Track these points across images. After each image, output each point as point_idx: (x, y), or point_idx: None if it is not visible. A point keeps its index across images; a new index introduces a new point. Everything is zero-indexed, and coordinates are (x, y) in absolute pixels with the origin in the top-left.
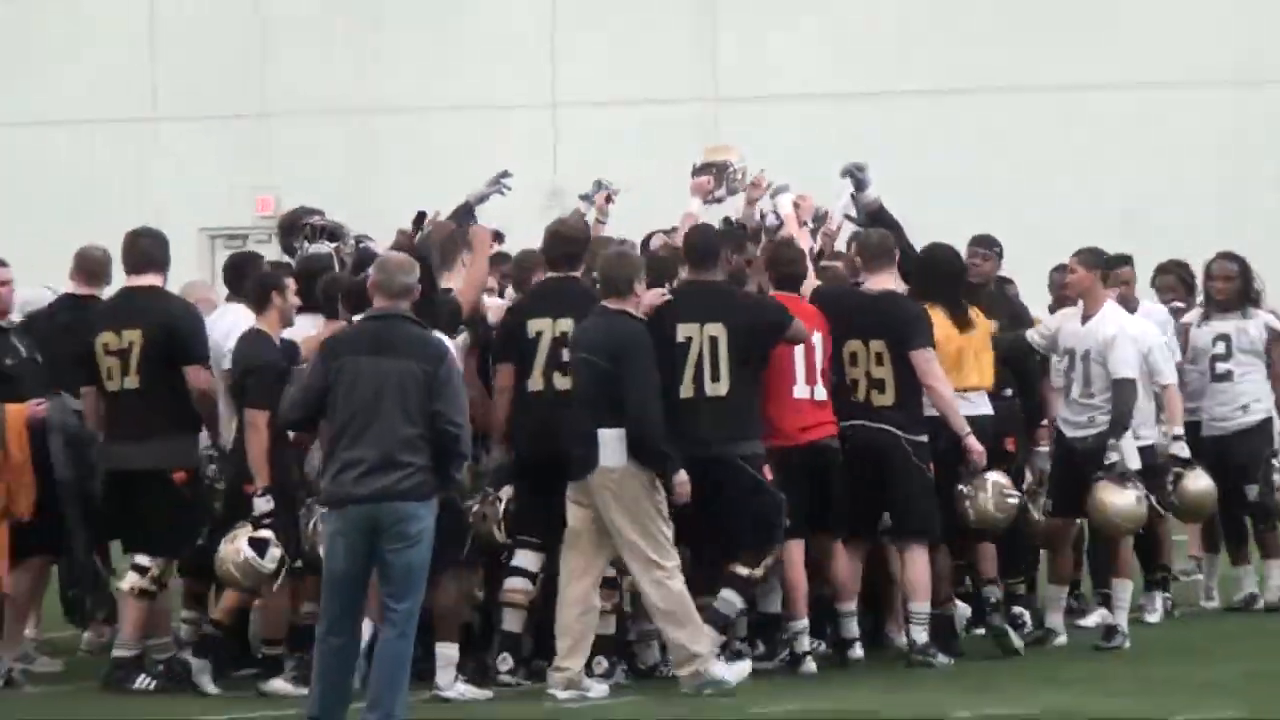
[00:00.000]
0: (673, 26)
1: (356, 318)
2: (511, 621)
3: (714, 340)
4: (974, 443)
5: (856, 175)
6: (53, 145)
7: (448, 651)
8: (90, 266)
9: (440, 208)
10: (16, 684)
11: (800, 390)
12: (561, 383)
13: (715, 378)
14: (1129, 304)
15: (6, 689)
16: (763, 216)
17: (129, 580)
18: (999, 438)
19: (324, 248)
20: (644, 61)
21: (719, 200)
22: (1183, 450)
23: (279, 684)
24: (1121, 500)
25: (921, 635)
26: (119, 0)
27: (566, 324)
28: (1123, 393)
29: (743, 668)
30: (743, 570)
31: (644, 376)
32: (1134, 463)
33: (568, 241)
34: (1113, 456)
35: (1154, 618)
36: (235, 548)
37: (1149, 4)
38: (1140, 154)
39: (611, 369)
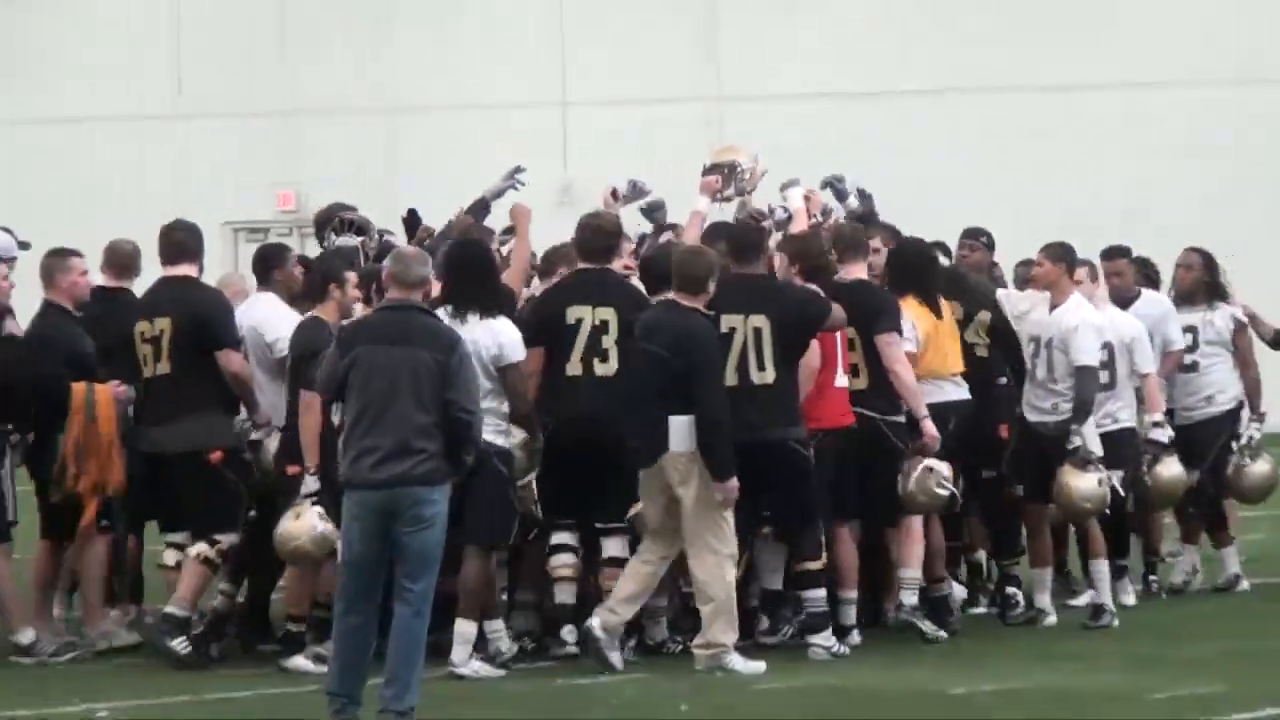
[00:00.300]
0: (677, 28)
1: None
2: (565, 594)
3: (758, 331)
4: (930, 426)
5: (836, 186)
6: (87, 141)
7: (465, 629)
8: (120, 260)
9: (460, 203)
10: (47, 658)
11: (840, 379)
12: (601, 369)
13: (761, 366)
14: (1127, 294)
15: (40, 667)
16: (771, 210)
17: (196, 548)
18: (993, 425)
19: (351, 241)
20: (649, 62)
21: (727, 199)
22: (1161, 436)
23: (300, 661)
24: (1084, 483)
25: (910, 599)
26: (148, 3)
27: (606, 312)
28: (1084, 380)
29: (758, 666)
30: (813, 565)
31: (713, 375)
32: (1095, 448)
33: (605, 234)
34: (1075, 441)
35: (1129, 599)
36: (305, 523)
37: (1149, 4)
38: (1140, 153)
39: (677, 363)
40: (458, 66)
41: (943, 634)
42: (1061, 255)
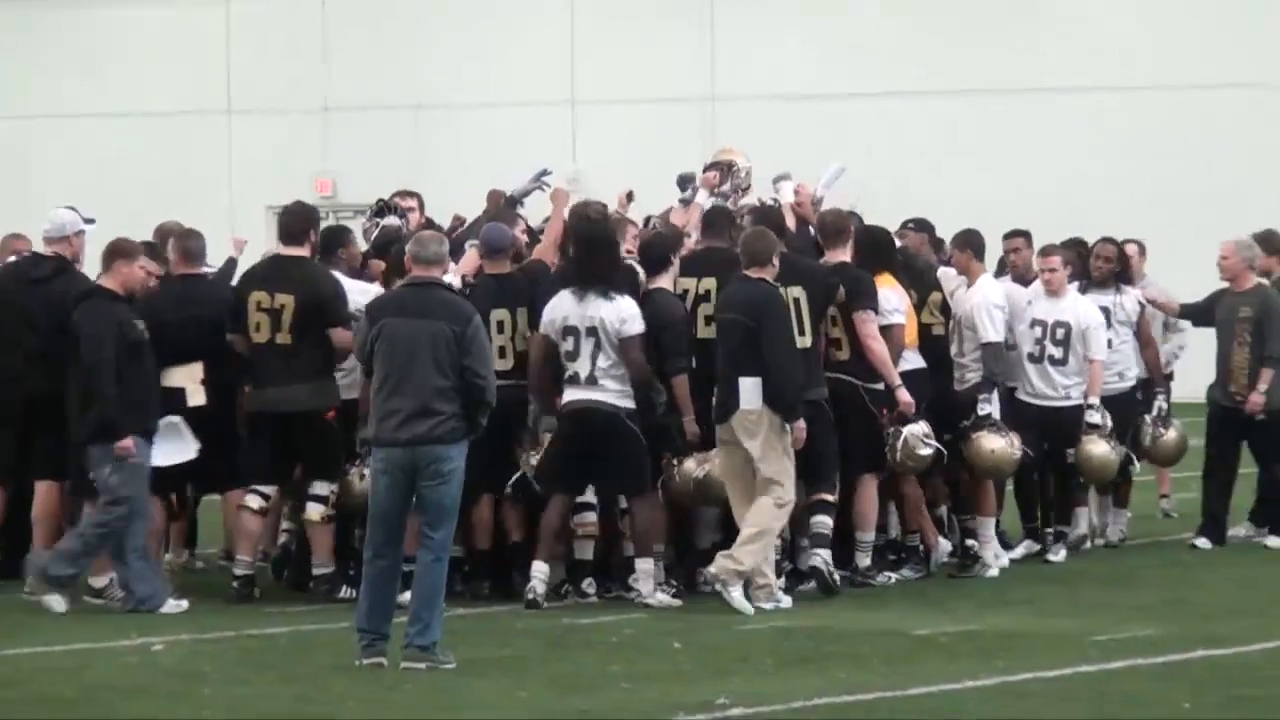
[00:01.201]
0: (676, 35)
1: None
2: (585, 550)
3: (797, 301)
4: (904, 395)
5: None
6: (149, 133)
7: (645, 566)
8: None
9: (478, 190)
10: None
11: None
12: None
13: (801, 332)
14: (1026, 275)
15: (103, 605)
16: (762, 203)
17: (314, 511)
18: (950, 394)
19: (394, 222)
20: (651, 66)
21: (724, 195)
22: (1094, 418)
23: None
24: (993, 444)
25: (864, 560)
26: (201, 10)
27: None
28: (988, 354)
29: (746, 606)
30: (830, 497)
31: (782, 335)
32: (998, 416)
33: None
34: (985, 409)
35: (1059, 558)
36: None
37: (1110, 17)
38: (1093, 150)
39: (755, 328)
40: (478, 69)
41: (892, 578)
42: (967, 242)
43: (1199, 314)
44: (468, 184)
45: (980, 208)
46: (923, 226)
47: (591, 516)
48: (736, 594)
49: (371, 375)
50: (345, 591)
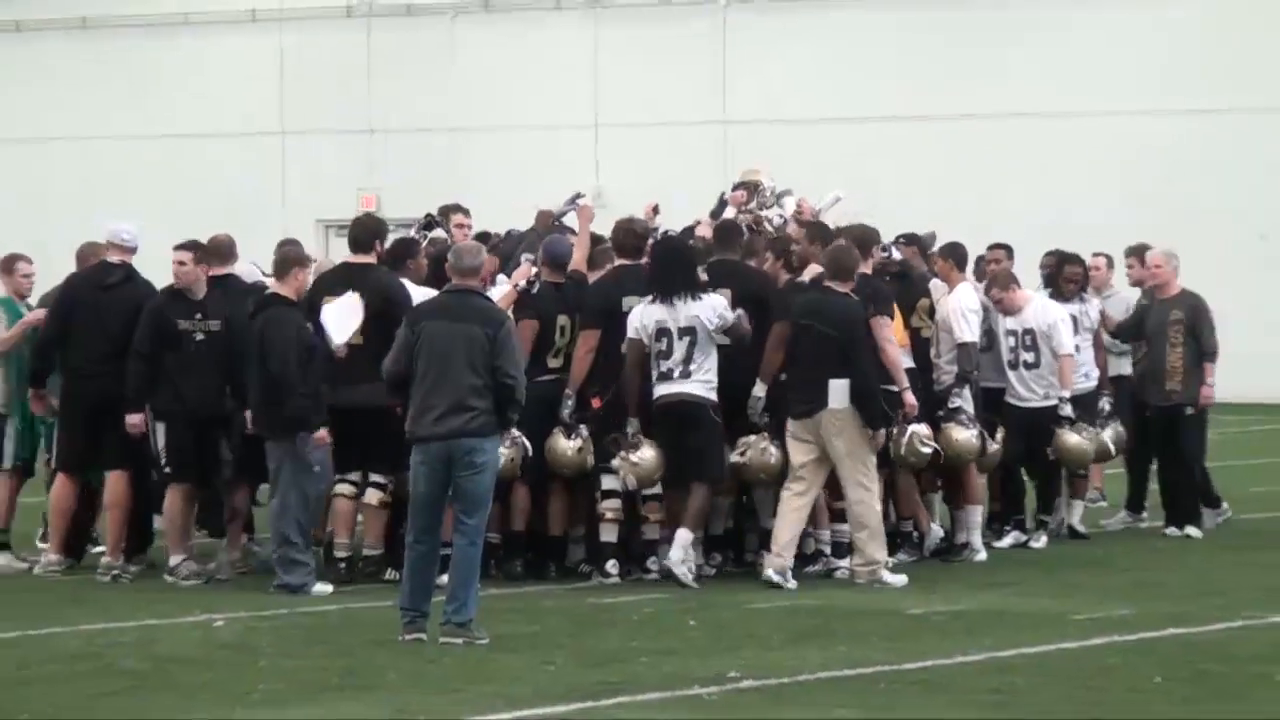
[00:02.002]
0: (691, 64)
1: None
2: (609, 534)
3: None
4: (910, 396)
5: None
6: (207, 153)
7: (685, 537)
8: (221, 250)
9: (510, 206)
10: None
11: None
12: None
13: None
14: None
15: (171, 583)
16: (769, 220)
17: (373, 496)
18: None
19: (441, 234)
20: (668, 92)
21: (750, 212)
22: (1065, 410)
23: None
24: (961, 435)
25: None
26: (257, 40)
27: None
28: (961, 353)
29: (901, 579)
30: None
31: (864, 347)
32: (969, 410)
33: (637, 236)
34: (955, 402)
35: (1039, 544)
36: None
37: (1084, 47)
38: (1070, 169)
39: (838, 336)
40: (510, 94)
41: (892, 561)
42: (950, 253)
43: (1130, 330)
44: (500, 200)
45: (974, 224)
46: (912, 240)
47: (615, 502)
48: (888, 576)
49: (393, 379)
50: (389, 573)
